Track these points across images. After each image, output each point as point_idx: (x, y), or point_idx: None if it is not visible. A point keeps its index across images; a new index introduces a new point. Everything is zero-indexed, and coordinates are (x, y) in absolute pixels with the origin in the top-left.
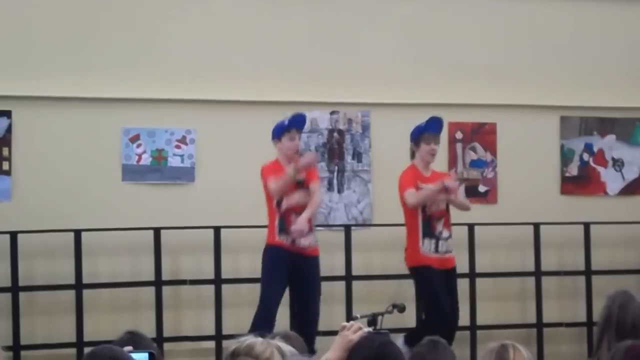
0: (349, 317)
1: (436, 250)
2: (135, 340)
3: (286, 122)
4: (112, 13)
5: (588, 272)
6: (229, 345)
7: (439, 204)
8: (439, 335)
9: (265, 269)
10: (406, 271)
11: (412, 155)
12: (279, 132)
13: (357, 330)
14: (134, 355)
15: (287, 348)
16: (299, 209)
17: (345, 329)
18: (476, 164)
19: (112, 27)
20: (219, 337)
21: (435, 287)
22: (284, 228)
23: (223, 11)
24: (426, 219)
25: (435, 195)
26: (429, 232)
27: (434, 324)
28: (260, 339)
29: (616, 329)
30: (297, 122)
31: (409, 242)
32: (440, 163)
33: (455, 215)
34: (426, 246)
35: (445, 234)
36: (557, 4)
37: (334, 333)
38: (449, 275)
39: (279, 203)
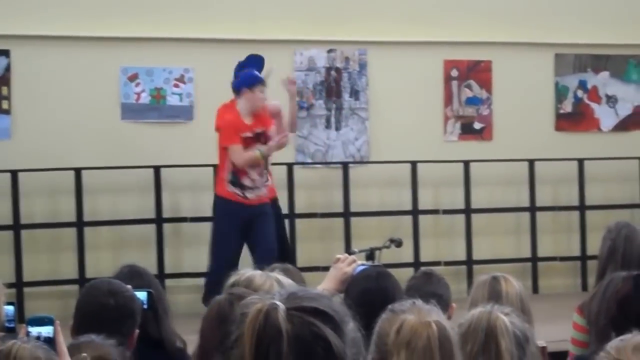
0: (348, 252)
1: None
2: (133, 273)
3: (257, 74)
4: None
5: (582, 207)
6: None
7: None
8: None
9: (216, 225)
10: (404, 207)
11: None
12: (251, 83)
13: (351, 263)
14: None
15: (286, 280)
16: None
17: (340, 261)
18: (472, 101)
19: None
20: None
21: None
22: (236, 181)
23: None
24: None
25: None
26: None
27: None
28: (259, 272)
29: (622, 260)
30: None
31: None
32: (435, 101)
33: (451, 152)
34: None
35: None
36: None
37: None
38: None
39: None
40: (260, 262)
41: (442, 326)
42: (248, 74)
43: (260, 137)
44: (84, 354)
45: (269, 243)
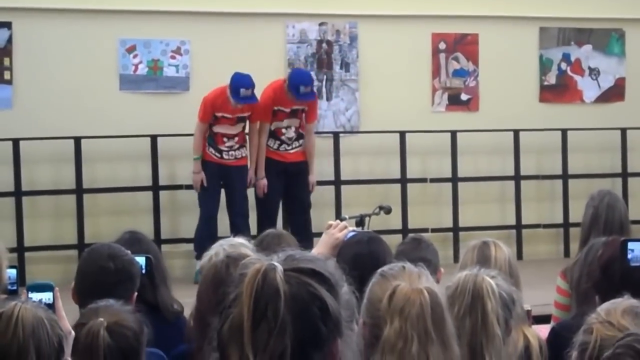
0: (338, 219)
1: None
2: (134, 239)
3: (241, 93)
4: None
5: (565, 176)
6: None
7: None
8: None
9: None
10: (392, 175)
11: None
12: (231, 90)
13: (343, 229)
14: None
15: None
16: (230, 136)
17: (332, 227)
18: (459, 73)
19: None
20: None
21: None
22: (213, 143)
23: None
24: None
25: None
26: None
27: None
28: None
29: (604, 227)
30: (244, 100)
31: None
32: (423, 73)
33: (438, 122)
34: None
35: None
36: None
37: None
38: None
39: (211, 126)
40: (234, 227)
41: (433, 292)
42: (235, 84)
43: (242, 120)
44: (101, 319)
45: (238, 207)
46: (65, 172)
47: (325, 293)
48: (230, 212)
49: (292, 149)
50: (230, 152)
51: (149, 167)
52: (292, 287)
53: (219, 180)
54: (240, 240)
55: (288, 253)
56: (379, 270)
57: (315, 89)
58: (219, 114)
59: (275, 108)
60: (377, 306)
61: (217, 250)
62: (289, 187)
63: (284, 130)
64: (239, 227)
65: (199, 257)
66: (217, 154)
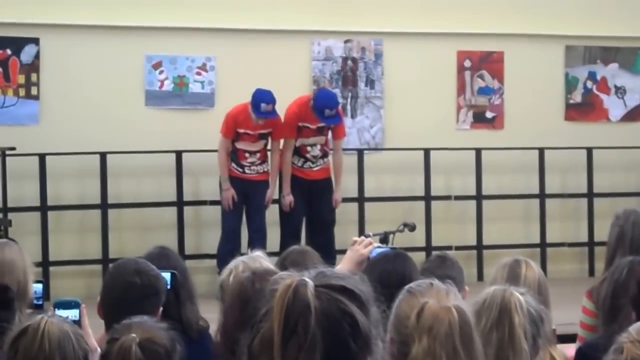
0: (362, 235)
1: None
2: (163, 254)
3: (261, 108)
4: None
5: (590, 195)
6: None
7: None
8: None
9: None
10: (416, 193)
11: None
12: (252, 105)
13: (367, 245)
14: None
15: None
16: (252, 152)
17: (357, 243)
18: (484, 90)
19: None
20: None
21: None
22: (235, 159)
23: None
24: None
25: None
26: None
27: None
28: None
29: (630, 246)
30: (265, 114)
31: None
32: (448, 91)
33: (463, 140)
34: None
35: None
36: None
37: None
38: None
39: (233, 142)
40: (252, 242)
41: (462, 311)
42: (257, 99)
43: (264, 136)
44: (133, 335)
45: (256, 223)
46: (90, 187)
47: (356, 310)
48: (249, 226)
49: (316, 166)
50: (252, 167)
51: (173, 182)
52: (323, 303)
53: (241, 195)
54: (257, 253)
55: (319, 269)
56: (407, 287)
57: (340, 107)
58: (241, 130)
59: (300, 124)
60: (405, 323)
61: (237, 264)
62: (312, 204)
63: (309, 149)
64: (255, 241)
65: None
66: (239, 168)
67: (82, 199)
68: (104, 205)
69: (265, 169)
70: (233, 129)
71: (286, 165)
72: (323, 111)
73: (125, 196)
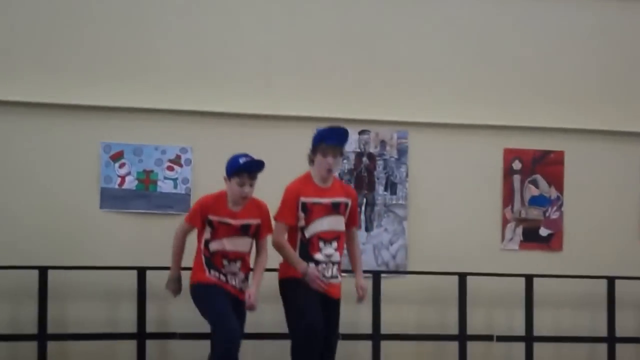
0: None
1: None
2: None
3: (240, 161)
4: (95, 11)
5: None
6: None
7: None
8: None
9: (202, 303)
10: (449, 331)
11: (311, 162)
12: (229, 171)
13: None
14: None
15: None
16: (230, 256)
17: None
18: (538, 200)
19: (95, 24)
20: None
21: (303, 299)
22: (211, 265)
23: (229, 9)
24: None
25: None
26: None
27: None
28: None
29: None
30: (249, 166)
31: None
32: (494, 199)
33: (509, 263)
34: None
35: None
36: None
37: None
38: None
39: (207, 243)
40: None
41: None
42: (230, 160)
43: (245, 231)
44: None
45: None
46: (26, 311)
47: None
48: None
49: (333, 277)
50: (235, 279)
51: (133, 308)
52: None
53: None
54: None
55: None
56: None
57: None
58: (214, 218)
59: (303, 200)
60: None
61: None
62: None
63: (321, 245)
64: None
65: None
66: (222, 277)
67: (15, 326)
68: (42, 336)
69: (245, 287)
70: (201, 215)
71: (285, 245)
72: (325, 138)
73: (70, 324)
